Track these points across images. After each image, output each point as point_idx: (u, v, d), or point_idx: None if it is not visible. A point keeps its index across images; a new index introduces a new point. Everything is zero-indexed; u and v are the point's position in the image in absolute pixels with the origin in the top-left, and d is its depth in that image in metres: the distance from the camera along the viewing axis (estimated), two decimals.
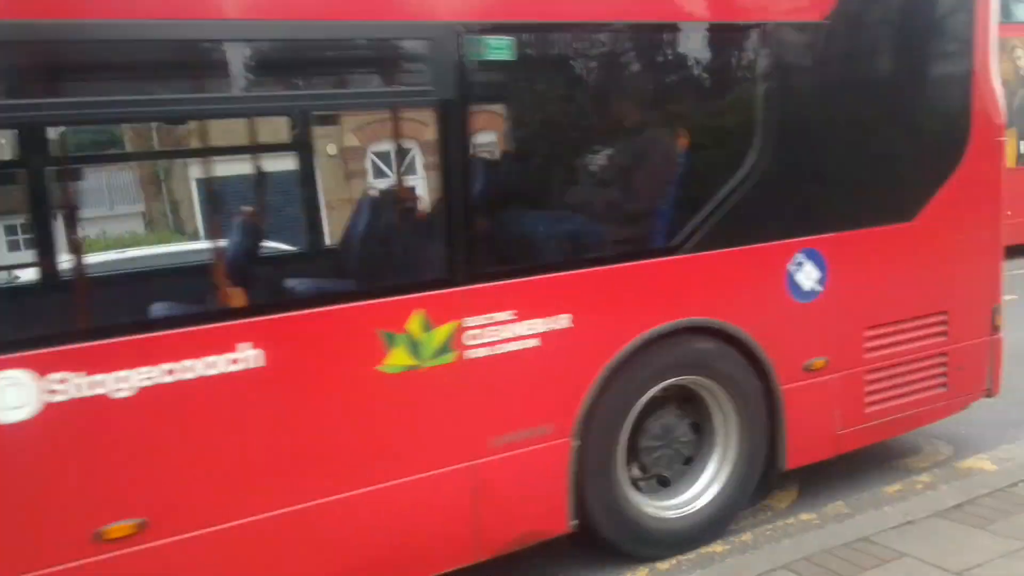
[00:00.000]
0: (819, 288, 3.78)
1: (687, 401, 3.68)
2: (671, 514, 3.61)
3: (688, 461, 3.72)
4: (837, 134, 3.76)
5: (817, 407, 3.86)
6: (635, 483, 3.58)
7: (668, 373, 3.50)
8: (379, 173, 9.92)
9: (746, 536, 3.71)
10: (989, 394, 4.44)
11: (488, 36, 2.97)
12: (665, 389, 3.53)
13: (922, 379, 4.16)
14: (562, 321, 3.18)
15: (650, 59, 3.63)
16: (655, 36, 3.50)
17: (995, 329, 4.36)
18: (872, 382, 4.00)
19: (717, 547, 3.62)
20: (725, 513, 3.71)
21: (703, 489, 3.69)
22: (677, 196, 3.62)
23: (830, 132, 3.73)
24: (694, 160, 3.64)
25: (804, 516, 3.89)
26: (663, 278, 3.43)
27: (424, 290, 2.96)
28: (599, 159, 3.86)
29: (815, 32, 3.64)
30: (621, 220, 3.70)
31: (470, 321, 3.00)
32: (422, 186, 4.28)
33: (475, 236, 3.06)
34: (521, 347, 3.11)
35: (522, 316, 3.10)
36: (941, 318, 4.18)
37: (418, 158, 4.65)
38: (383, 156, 9.20)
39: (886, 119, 3.91)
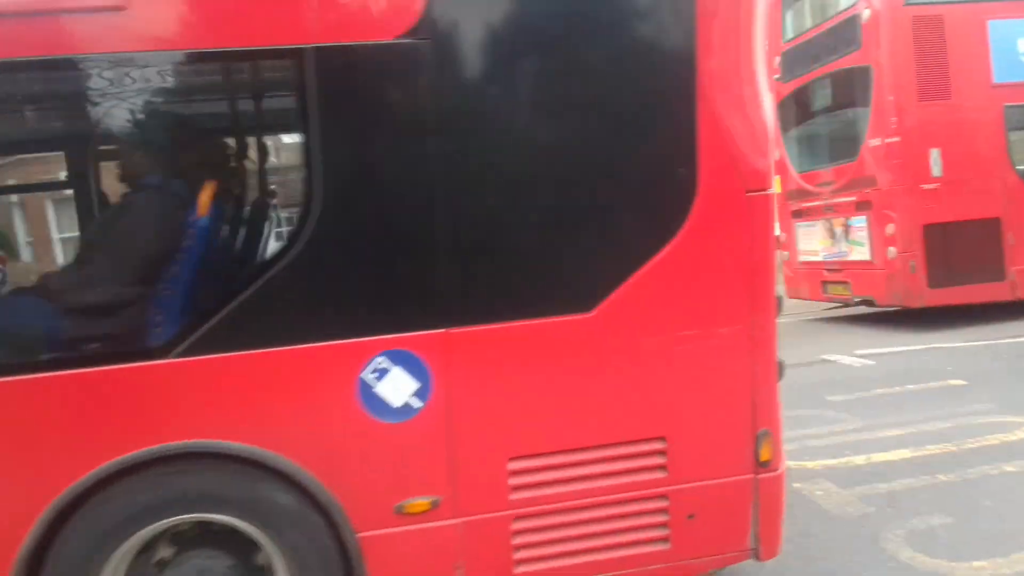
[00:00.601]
0: (418, 403, 2.73)
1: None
2: None
3: None
4: (439, 189, 2.67)
5: (423, 563, 2.81)
6: None
7: (166, 512, 2.64)
8: None
9: None
10: (756, 556, 3.09)
11: None
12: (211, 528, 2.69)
13: (622, 531, 2.93)
14: None
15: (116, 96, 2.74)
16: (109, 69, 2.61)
17: (762, 465, 3.01)
18: (527, 532, 2.86)
19: None
20: None
21: None
22: (176, 278, 2.72)
23: (427, 187, 2.66)
24: (218, 229, 2.72)
25: None
26: (143, 388, 2.57)
27: None
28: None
29: (391, 55, 2.58)
30: (76, 311, 2.85)
31: None
32: None
33: None
34: None
35: None
36: (654, 447, 2.92)
37: None
38: None
39: (525, 164, 2.75)
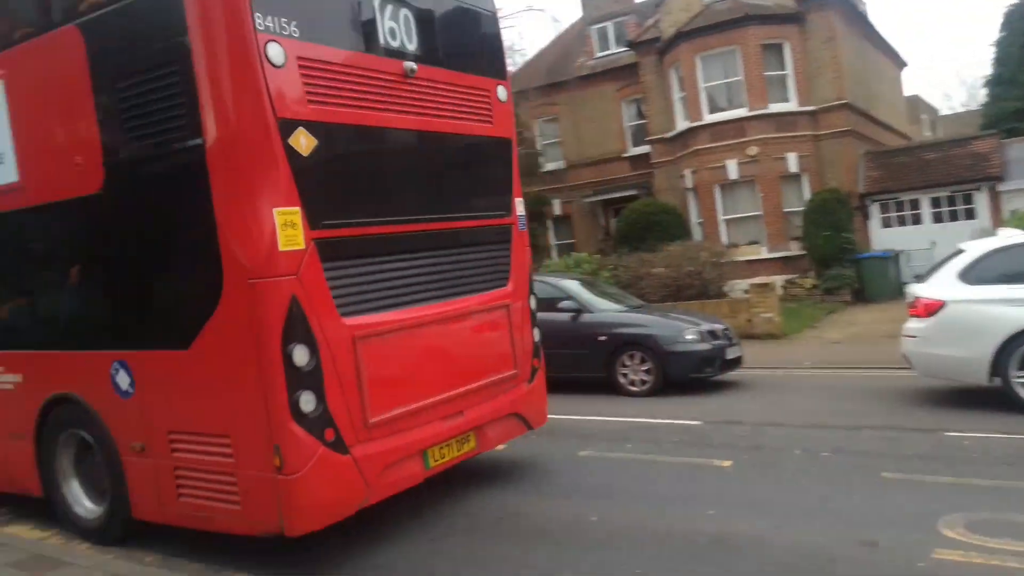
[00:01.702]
0: (132, 390, 4.96)
1: None
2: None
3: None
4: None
5: (144, 480, 5.01)
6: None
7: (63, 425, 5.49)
8: None
9: None
10: (281, 532, 4.36)
11: None
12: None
13: (217, 490, 4.62)
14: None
15: None
16: None
17: (278, 469, 4.29)
18: (180, 477, 4.81)
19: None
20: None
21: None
22: None
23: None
24: None
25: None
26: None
27: None
28: None
29: None
30: None
31: None
32: None
33: None
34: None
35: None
36: (225, 440, 4.53)
37: None
38: None
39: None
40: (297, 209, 4.36)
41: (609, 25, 25.76)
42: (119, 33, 4.77)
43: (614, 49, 25.15)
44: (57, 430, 5.55)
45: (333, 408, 4.46)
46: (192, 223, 4.49)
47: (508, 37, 57.29)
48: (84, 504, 5.53)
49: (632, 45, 22.89)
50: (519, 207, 6.35)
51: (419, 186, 5.41)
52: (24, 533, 5.78)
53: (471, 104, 5.84)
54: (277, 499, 4.36)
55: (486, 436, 5.72)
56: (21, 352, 5.74)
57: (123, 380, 5.02)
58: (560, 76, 25.42)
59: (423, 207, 5.35)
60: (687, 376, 9.47)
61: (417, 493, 5.32)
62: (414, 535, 5.23)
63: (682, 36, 19.96)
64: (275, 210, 4.27)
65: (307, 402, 4.32)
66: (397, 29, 5.23)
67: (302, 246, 4.37)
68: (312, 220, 4.43)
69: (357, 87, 4.84)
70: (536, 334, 6.37)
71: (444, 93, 5.55)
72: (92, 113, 4.89)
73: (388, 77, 5.08)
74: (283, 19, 4.39)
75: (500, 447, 6.39)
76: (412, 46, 5.34)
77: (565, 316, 9.99)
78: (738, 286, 17.30)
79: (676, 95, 20.81)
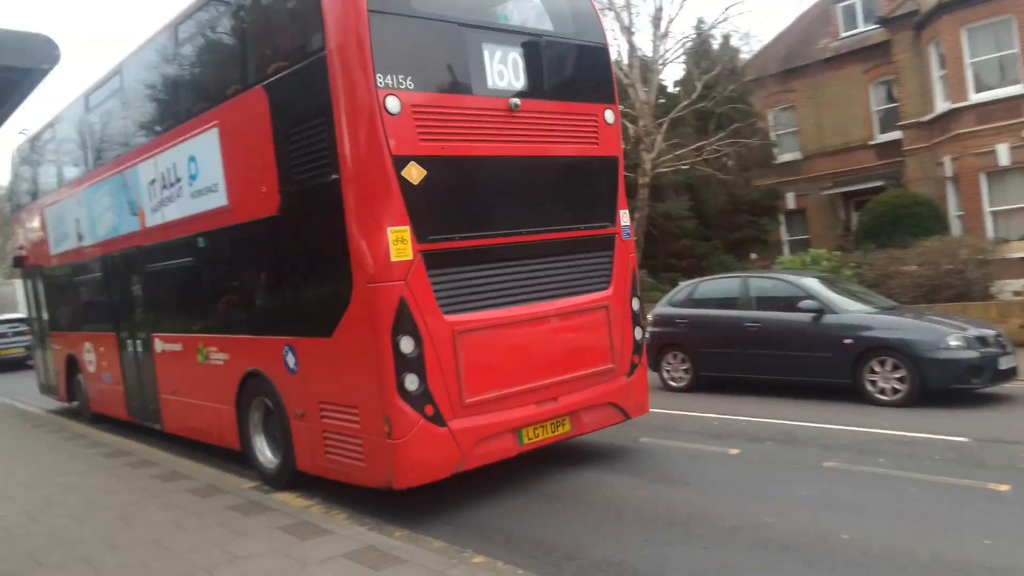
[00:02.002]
0: (296, 369, 6.38)
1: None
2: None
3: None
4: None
5: (304, 439, 6.42)
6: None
7: (253, 394, 7.08)
8: None
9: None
10: (390, 485, 5.48)
11: None
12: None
13: (350, 450, 5.87)
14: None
15: None
16: None
17: (388, 435, 5.43)
18: (327, 438, 6.13)
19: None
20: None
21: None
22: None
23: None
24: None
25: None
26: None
27: None
28: None
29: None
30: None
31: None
32: None
33: None
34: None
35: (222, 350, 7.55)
36: (354, 411, 5.76)
37: None
38: None
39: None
40: (407, 228, 5.48)
41: (857, 1, 23.79)
42: (288, 93, 6.19)
43: (862, 27, 23.33)
44: (250, 398, 7.18)
45: (433, 388, 5.54)
46: (334, 240, 5.74)
47: (744, 24, 55.53)
48: (267, 455, 7.10)
49: (884, 21, 21.12)
50: (624, 218, 7.06)
51: (520, 203, 6.35)
52: (291, 500, 6.43)
53: (576, 128, 6.68)
54: (387, 460, 5.51)
55: (581, 421, 6.53)
56: (229, 336, 7.45)
57: (291, 360, 6.46)
58: (799, 60, 24.02)
59: (523, 221, 6.27)
60: (948, 386, 8.60)
61: (642, 496, 5.99)
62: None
63: (944, 7, 17.99)
64: (388, 229, 5.42)
65: (411, 382, 5.43)
66: (505, 71, 6.20)
67: (410, 257, 5.48)
68: (419, 236, 5.54)
69: (464, 124, 5.88)
70: (639, 333, 7.04)
71: (548, 121, 6.44)
72: (272, 153, 6.36)
73: (494, 113, 6.06)
74: (400, 76, 5.52)
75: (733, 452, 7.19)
76: (519, 84, 6.28)
77: (805, 317, 9.49)
78: (1008, 287, 15.27)
79: (935, 74, 18.90)
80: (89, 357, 11.13)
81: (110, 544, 5.52)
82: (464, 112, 5.92)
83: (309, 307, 6.35)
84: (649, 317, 10.98)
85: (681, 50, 22.48)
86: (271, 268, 6.84)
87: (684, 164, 21.15)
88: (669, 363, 11.06)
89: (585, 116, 6.76)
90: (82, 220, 10.59)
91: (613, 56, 11.56)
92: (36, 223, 12.56)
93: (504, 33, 6.36)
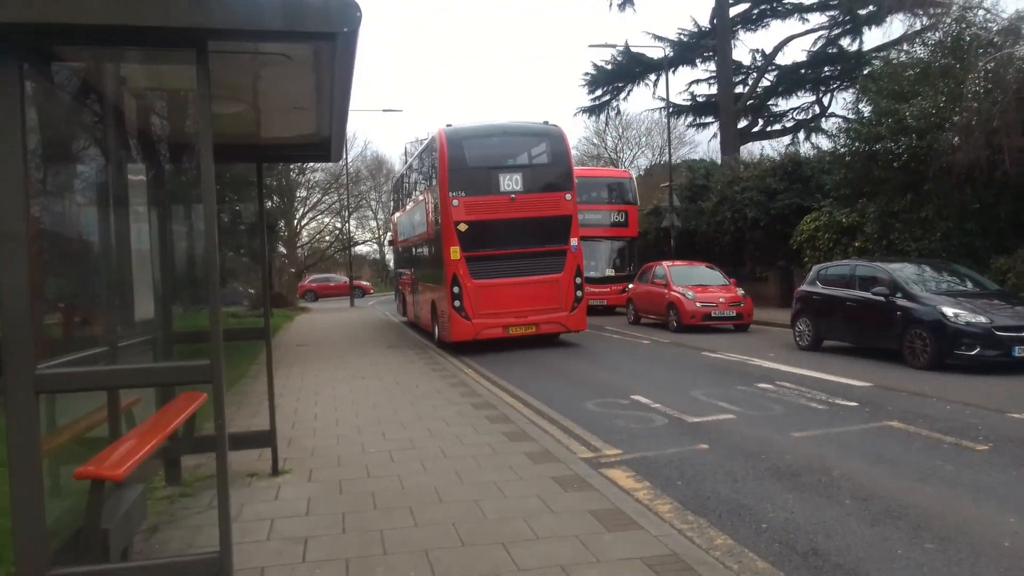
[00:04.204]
0: (425, 294, 16.61)
1: None
2: None
3: None
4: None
5: (428, 319, 16.64)
6: None
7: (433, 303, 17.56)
8: None
9: None
10: (449, 340, 15.39)
11: None
12: None
13: (441, 325, 15.81)
14: None
15: None
16: None
17: (448, 318, 15.31)
18: (439, 320, 16.19)
19: None
20: None
21: None
22: None
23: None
24: None
25: None
26: None
27: None
28: None
29: None
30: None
31: None
32: None
33: None
34: None
35: None
36: (442, 306, 15.76)
37: None
38: None
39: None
40: (458, 248, 15.19)
41: None
42: (431, 194, 16.43)
43: None
44: (433, 308, 17.56)
45: (466, 305, 15.20)
46: (441, 250, 15.80)
47: None
48: (436, 333, 17.45)
49: None
50: (573, 242, 15.70)
51: (513, 236, 15.46)
52: (620, 479, 6.09)
53: (548, 203, 15.59)
54: (446, 328, 15.44)
55: (540, 328, 15.61)
56: (426, 284, 17.99)
57: (438, 292, 16.60)
58: None
59: (514, 243, 15.39)
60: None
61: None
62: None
63: None
64: (451, 248, 15.20)
65: (456, 302, 15.20)
66: (511, 182, 15.42)
67: (459, 258, 15.18)
68: (464, 249, 15.20)
69: (487, 207, 15.33)
70: (579, 292, 15.71)
71: (532, 201, 15.48)
72: (432, 200, 16.60)
73: (503, 201, 15.36)
74: (460, 191, 15.21)
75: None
76: (517, 187, 15.46)
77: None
78: None
79: None
80: (408, 292, 22.93)
81: (438, 497, 5.61)
82: (487, 202, 15.31)
83: (434, 273, 16.52)
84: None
85: None
86: (430, 257, 17.17)
87: None
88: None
89: (554, 197, 15.58)
90: (405, 225, 22.26)
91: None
92: (400, 221, 24.91)
93: (510, 168, 15.53)
